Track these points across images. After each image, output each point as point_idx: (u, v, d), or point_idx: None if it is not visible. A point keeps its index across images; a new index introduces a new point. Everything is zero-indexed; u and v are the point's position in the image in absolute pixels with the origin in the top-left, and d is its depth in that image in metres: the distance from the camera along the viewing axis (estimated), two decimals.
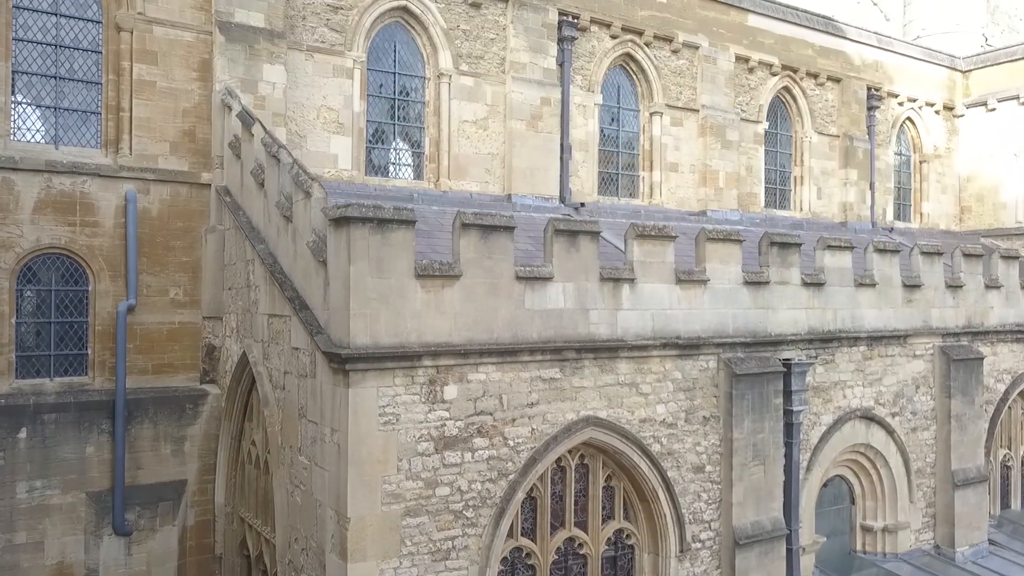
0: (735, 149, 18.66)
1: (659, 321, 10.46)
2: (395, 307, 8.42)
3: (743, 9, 19.07)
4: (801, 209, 20.80)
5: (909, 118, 23.44)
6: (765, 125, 19.77)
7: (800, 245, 11.96)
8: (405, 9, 14.56)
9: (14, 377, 11.23)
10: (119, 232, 11.82)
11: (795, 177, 20.82)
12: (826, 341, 12.25)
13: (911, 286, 13.54)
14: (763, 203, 19.88)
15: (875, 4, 27.93)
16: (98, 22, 12.10)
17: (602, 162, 17.27)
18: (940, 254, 13.98)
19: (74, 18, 12.01)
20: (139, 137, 12.03)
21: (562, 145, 16.04)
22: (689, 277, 10.72)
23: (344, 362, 8.16)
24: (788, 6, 20.44)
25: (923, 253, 13.77)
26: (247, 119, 11.28)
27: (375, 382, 8.34)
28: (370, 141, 14.45)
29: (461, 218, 8.77)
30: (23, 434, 10.78)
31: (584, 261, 9.74)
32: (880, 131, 22.30)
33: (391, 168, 14.78)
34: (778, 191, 20.58)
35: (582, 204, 15.83)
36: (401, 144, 14.91)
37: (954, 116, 24.40)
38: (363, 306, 8.24)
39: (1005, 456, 17.40)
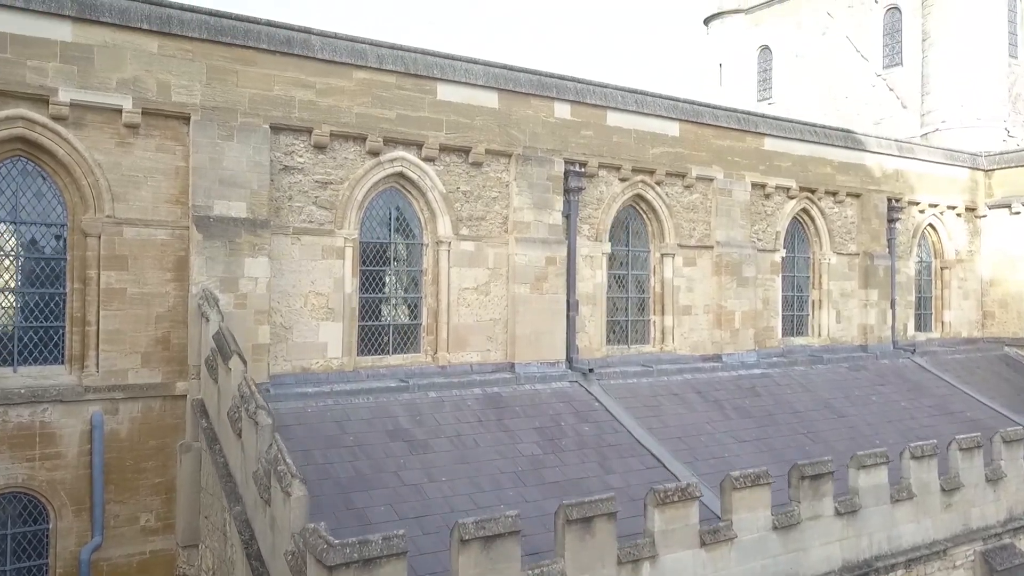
0: (751, 285, 17.59)
1: None
2: None
3: (759, 134, 18.03)
4: (819, 335, 19.72)
5: (931, 224, 22.40)
6: (783, 253, 18.72)
7: (832, 473, 10.86)
8: (401, 175, 13.51)
9: None
10: (84, 461, 10.74)
11: (813, 301, 19.76)
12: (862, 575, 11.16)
13: (950, 490, 12.46)
14: (780, 334, 18.80)
15: (891, 90, 26.90)
16: (62, 225, 11.04)
17: (611, 310, 16.20)
18: (979, 447, 12.89)
19: (36, 224, 10.96)
20: (107, 352, 10.95)
21: (568, 303, 14.98)
22: (715, 538, 9.64)
23: None
24: (807, 124, 19.44)
25: (962, 449, 12.68)
26: (225, 347, 10.19)
27: None
28: (363, 318, 13.38)
29: (460, 532, 7.69)
30: None
31: (600, 546, 8.66)
32: (901, 242, 21.25)
33: (386, 343, 13.70)
34: (795, 318, 19.52)
35: (590, 370, 14.74)
36: (397, 316, 13.84)
37: (976, 217, 23.38)
38: None
39: None
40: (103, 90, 10.91)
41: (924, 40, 25.74)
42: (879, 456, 11.50)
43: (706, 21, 33.01)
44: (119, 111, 11.04)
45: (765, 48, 31.25)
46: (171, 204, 11.45)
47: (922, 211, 21.94)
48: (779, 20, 30.68)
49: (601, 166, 15.55)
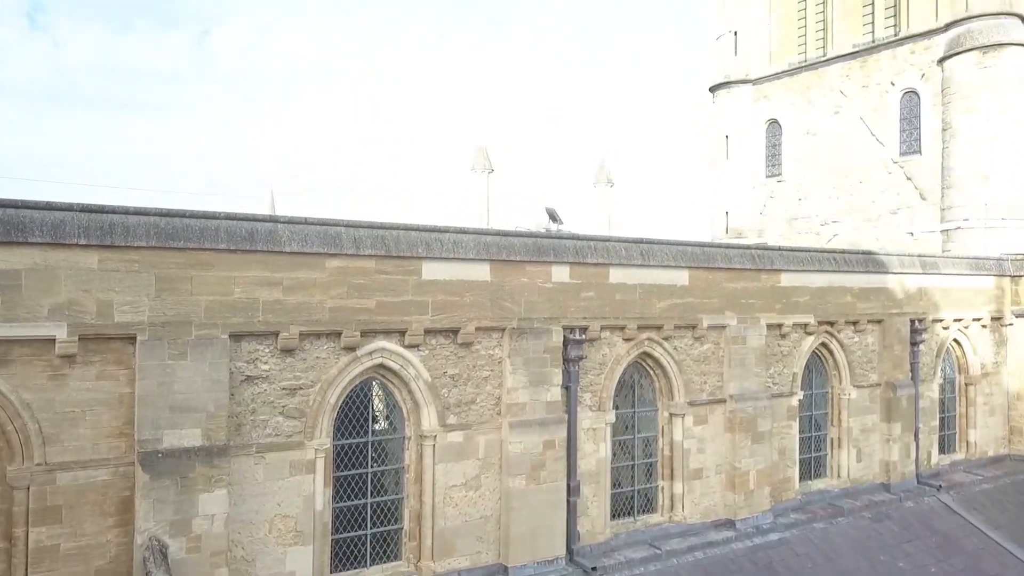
0: (767, 440, 16.16)
1: None
2: None
3: (775, 270, 16.61)
4: (839, 476, 18.27)
5: (955, 339, 20.98)
6: (800, 396, 17.29)
7: None
8: (381, 366, 12.08)
9: None
10: None
11: (832, 440, 18.32)
12: None
13: None
14: (797, 482, 17.34)
15: (909, 179, 25.51)
16: None
17: (615, 482, 14.76)
18: None
19: None
20: None
21: (569, 487, 13.54)
22: None
23: None
24: (825, 251, 18.06)
25: None
26: None
27: None
28: (336, 530, 11.94)
29: None
30: None
31: None
32: (924, 364, 19.84)
33: (363, 555, 12.25)
34: (813, 459, 18.08)
35: (593, 568, 13.28)
36: (375, 522, 12.39)
37: (1002, 326, 21.97)
38: None
39: None
40: (32, 320, 9.49)
41: (945, 131, 24.35)
42: None
43: (712, 90, 31.62)
44: (52, 341, 9.62)
45: (774, 122, 29.83)
46: (114, 438, 10.02)
47: (946, 327, 20.54)
48: (788, 94, 29.27)
49: (604, 328, 14.14)
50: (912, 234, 25.30)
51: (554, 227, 19.28)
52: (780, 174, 29.61)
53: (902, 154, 25.92)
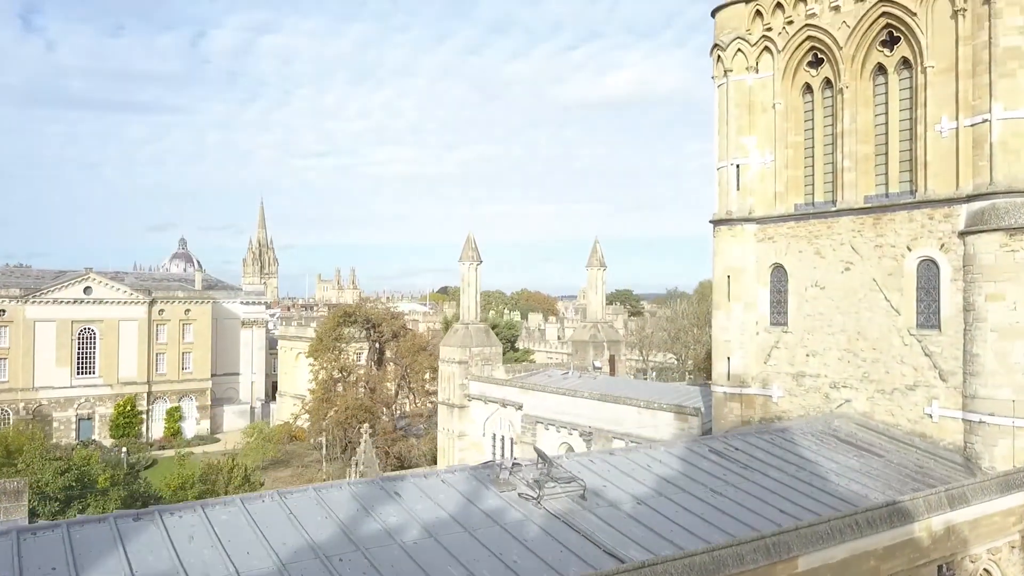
0: None
1: None
2: None
3: (791, 558, 14.71)
4: None
5: (986, 568, 19.11)
6: None
7: None
8: None
9: None
10: None
11: None
12: None
13: None
14: None
15: (927, 355, 23.62)
16: None
17: None
18: None
19: None
20: None
21: None
22: None
23: None
24: (846, 517, 16.13)
25: None
26: None
27: None
28: None
29: None
30: None
31: None
32: None
33: None
34: None
35: None
36: None
37: None
38: None
39: None
40: None
41: (967, 311, 22.50)
42: None
43: (713, 224, 29.76)
44: None
45: (779, 267, 27.95)
46: None
47: (975, 560, 18.67)
48: (796, 241, 27.40)
49: None
50: (931, 416, 23.42)
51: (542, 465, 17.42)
52: (786, 324, 27.72)
53: (919, 326, 24.05)
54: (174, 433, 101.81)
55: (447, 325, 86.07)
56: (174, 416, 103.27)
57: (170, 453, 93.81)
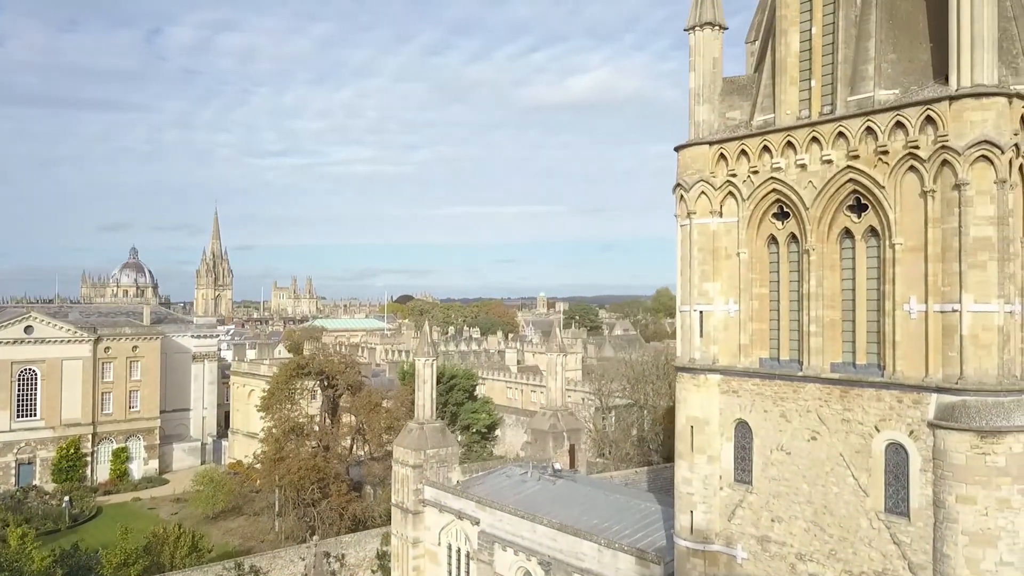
0: None
1: None
2: None
3: None
4: None
5: None
6: None
7: None
8: None
9: None
10: None
11: None
12: None
13: None
14: None
15: (895, 543, 22.88)
16: None
17: None
18: None
19: None
20: None
21: None
22: None
23: None
24: None
25: None
26: None
27: None
28: None
29: None
30: None
31: None
32: None
33: None
34: None
35: None
36: None
37: None
38: None
39: None
40: None
41: (938, 508, 21.79)
42: None
43: (677, 370, 28.79)
44: None
45: (743, 423, 27.08)
46: None
47: None
48: (761, 400, 26.51)
49: None
50: None
51: None
52: (751, 483, 26.84)
53: (888, 511, 23.31)
54: (120, 475, 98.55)
55: (404, 376, 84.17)
56: (120, 457, 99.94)
57: (117, 499, 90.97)
